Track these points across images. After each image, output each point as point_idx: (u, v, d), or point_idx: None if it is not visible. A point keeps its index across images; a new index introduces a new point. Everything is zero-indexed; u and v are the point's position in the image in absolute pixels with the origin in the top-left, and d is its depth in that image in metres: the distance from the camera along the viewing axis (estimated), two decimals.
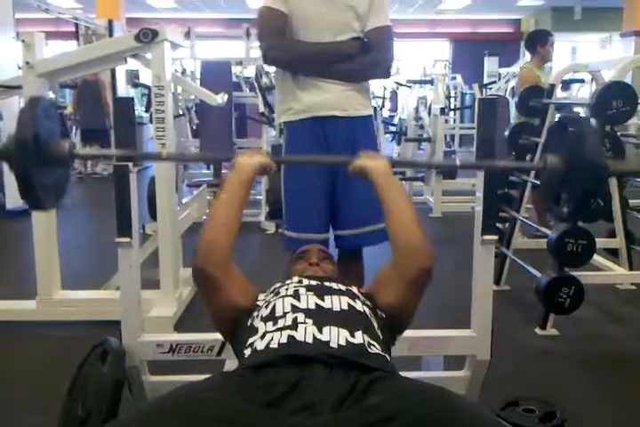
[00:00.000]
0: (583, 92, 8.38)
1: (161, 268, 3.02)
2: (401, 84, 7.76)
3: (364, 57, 2.21)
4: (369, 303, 1.44)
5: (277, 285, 1.52)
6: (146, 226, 4.52)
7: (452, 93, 9.54)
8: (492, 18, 14.97)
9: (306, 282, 1.48)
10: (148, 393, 1.96)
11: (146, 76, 5.08)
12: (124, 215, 1.83)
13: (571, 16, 11.06)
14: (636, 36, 9.47)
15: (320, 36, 2.18)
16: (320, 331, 1.25)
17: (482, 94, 8.30)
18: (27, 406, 2.24)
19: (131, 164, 1.81)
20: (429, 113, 6.57)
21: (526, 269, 3.19)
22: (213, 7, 13.15)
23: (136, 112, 5.60)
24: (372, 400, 1.03)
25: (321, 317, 1.31)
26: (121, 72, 8.62)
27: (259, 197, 5.24)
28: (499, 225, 3.65)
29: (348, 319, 1.32)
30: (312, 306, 1.35)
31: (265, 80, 5.24)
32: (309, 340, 1.23)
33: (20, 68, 3.24)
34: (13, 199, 5.34)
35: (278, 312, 1.35)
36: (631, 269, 3.39)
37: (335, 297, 1.40)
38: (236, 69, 6.12)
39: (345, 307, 1.37)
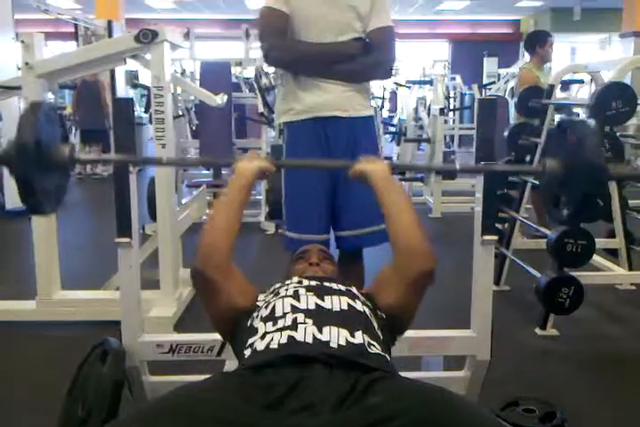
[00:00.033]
0: (582, 93, 8.39)
1: (161, 268, 3.02)
2: (400, 85, 7.76)
3: (365, 57, 2.20)
4: (369, 304, 1.44)
5: (277, 285, 1.52)
6: (145, 226, 4.52)
7: (452, 94, 9.54)
8: (491, 18, 14.98)
9: (306, 282, 1.48)
10: (148, 393, 1.96)
11: (145, 77, 5.09)
12: (124, 216, 1.84)
13: (570, 17, 11.08)
14: (636, 36, 9.47)
15: (321, 37, 2.17)
16: (320, 331, 1.25)
17: (481, 95, 8.30)
18: (27, 406, 2.24)
19: (131, 164, 1.81)
20: (429, 113, 6.57)
21: (526, 270, 3.19)
22: (212, 8, 13.16)
23: (135, 113, 5.61)
24: (372, 400, 1.03)
25: (321, 317, 1.31)
26: (120, 73, 8.62)
27: (259, 198, 5.24)
28: (498, 225, 3.65)
29: (347, 319, 1.32)
30: (312, 306, 1.35)
31: (264, 81, 5.23)
32: (309, 340, 1.23)
33: (19, 68, 3.25)
34: (13, 200, 5.34)
35: (278, 313, 1.35)
36: (631, 269, 3.39)
37: (335, 297, 1.40)
38: (235, 70, 6.13)
39: (345, 307, 1.37)
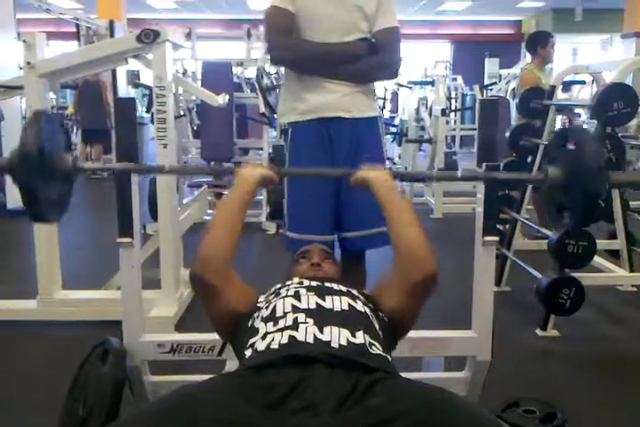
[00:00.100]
0: (584, 94, 8.39)
1: (162, 268, 3.02)
2: (402, 85, 7.75)
3: (371, 58, 2.20)
4: (370, 305, 1.44)
5: (278, 286, 1.52)
6: (147, 226, 4.52)
7: (453, 94, 9.53)
8: (492, 19, 14.98)
9: (306, 283, 1.48)
10: (149, 393, 1.95)
11: (146, 77, 5.09)
12: (126, 215, 1.83)
13: (571, 17, 11.07)
14: (637, 37, 9.47)
15: (327, 37, 2.17)
16: (321, 331, 1.25)
17: (482, 95, 8.29)
18: (27, 406, 2.24)
19: (133, 164, 1.81)
20: (430, 114, 6.57)
21: (527, 271, 3.19)
22: (214, 8, 13.16)
23: (137, 112, 5.61)
24: (372, 401, 1.03)
25: (322, 317, 1.31)
26: (122, 72, 8.62)
27: (260, 198, 5.25)
28: (499, 226, 3.65)
29: (349, 319, 1.32)
30: (313, 306, 1.35)
31: (266, 81, 5.24)
32: (310, 340, 1.23)
33: (21, 68, 3.24)
34: (14, 199, 5.34)
35: (279, 313, 1.35)
36: (632, 270, 3.39)
37: (336, 297, 1.40)
38: (236, 70, 6.13)
39: (345, 307, 1.37)
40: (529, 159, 3.55)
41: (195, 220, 3.79)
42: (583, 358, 2.73)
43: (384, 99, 9.95)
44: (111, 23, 8.24)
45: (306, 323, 1.28)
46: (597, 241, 2.91)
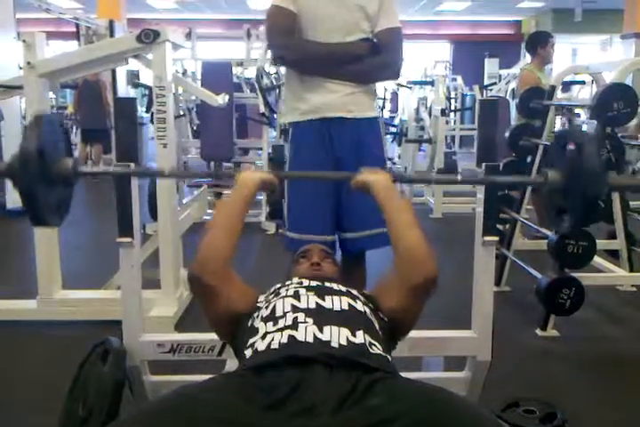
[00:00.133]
0: (584, 94, 8.39)
1: (161, 268, 3.02)
2: (401, 85, 7.75)
3: (373, 58, 2.19)
4: (371, 305, 1.44)
5: (278, 286, 1.52)
6: (146, 226, 4.52)
7: (453, 95, 9.53)
8: (492, 19, 14.97)
9: (306, 283, 1.48)
10: (149, 393, 1.95)
11: (146, 77, 5.09)
12: (125, 215, 1.84)
13: (571, 18, 11.06)
14: (637, 37, 9.48)
15: (329, 37, 2.16)
16: (321, 330, 1.25)
17: (482, 96, 8.29)
18: (27, 406, 2.24)
19: (133, 164, 1.81)
20: (430, 114, 6.57)
21: (527, 271, 3.19)
22: (214, 8, 13.16)
23: (137, 112, 5.61)
24: (372, 401, 1.03)
25: (321, 316, 1.31)
26: (121, 72, 8.62)
27: (259, 198, 5.25)
28: (499, 226, 3.65)
29: (348, 319, 1.32)
30: (312, 305, 1.35)
31: (265, 81, 5.24)
32: (310, 339, 1.23)
33: (21, 68, 3.24)
34: (14, 199, 5.34)
35: (278, 312, 1.35)
36: (631, 270, 3.40)
37: (336, 297, 1.40)
38: (236, 70, 6.13)
39: (345, 307, 1.37)
40: (528, 159, 3.55)
41: (194, 220, 3.79)
42: (583, 358, 2.73)
43: (384, 99, 9.96)
44: (111, 23, 8.24)
45: (305, 322, 1.28)
46: (597, 241, 2.91)
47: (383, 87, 9.69)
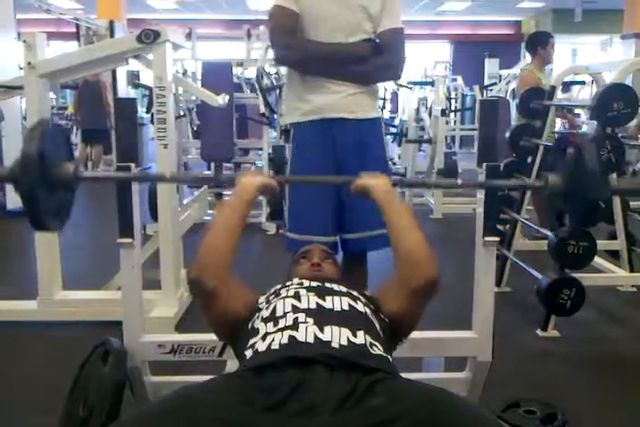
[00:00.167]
0: (584, 94, 8.39)
1: (162, 268, 3.02)
2: (401, 86, 7.75)
3: (375, 59, 2.19)
4: (372, 306, 1.44)
5: (278, 286, 1.52)
6: (147, 227, 4.52)
7: (453, 95, 9.53)
8: (492, 19, 14.97)
9: (306, 283, 1.48)
10: (150, 394, 1.95)
11: (146, 77, 5.09)
12: (126, 216, 1.84)
13: (571, 18, 11.05)
14: (637, 38, 9.47)
15: (331, 37, 2.16)
16: (321, 330, 1.25)
17: (482, 96, 8.29)
18: (27, 407, 2.24)
19: (133, 164, 1.81)
20: (430, 114, 6.57)
21: (527, 271, 3.19)
22: (214, 8, 13.16)
23: (137, 113, 5.61)
24: (372, 402, 1.03)
25: (322, 316, 1.31)
26: (122, 73, 8.62)
27: (260, 198, 5.24)
28: (499, 227, 3.65)
29: (349, 319, 1.32)
30: (313, 306, 1.36)
31: (266, 81, 5.25)
32: (310, 340, 1.23)
33: (21, 68, 3.24)
34: (14, 200, 5.34)
35: (279, 313, 1.35)
36: (632, 271, 3.40)
37: (336, 297, 1.40)
38: (236, 70, 6.13)
39: (346, 307, 1.37)
40: (529, 160, 3.55)
41: (195, 220, 3.79)
42: (583, 359, 2.73)
43: (384, 99, 9.96)
44: (111, 23, 8.25)
45: (306, 323, 1.28)
46: (598, 241, 2.91)
47: (383, 87, 9.69)
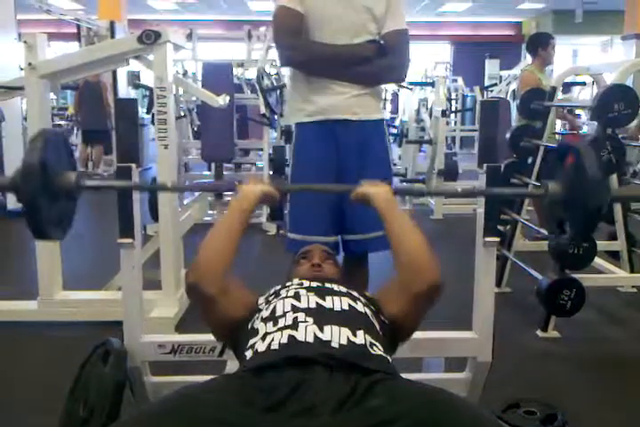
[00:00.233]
0: (584, 95, 8.39)
1: (162, 269, 3.02)
2: (402, 86, 7.76)
3: (379, 60, 2.19)
4: (372, 307, 1.44)
5: (278, 287, 1.52)
6: (147, 227, 4.52)
7: (454, 96, 9.54)
8: (493, 20, 14.97)
9: (306, 284, 1.49)
10: (150, 394, 1.96)
11: (147, 78, 5.10)
12: (127, 216, 1.84)
13: (572, 19, 11.05)
14: (638, 39, 9.46)
15: (335, 38, 2.15)
16: (321, 330, 1.25)
17: (483, 97, 8.30)
18: (27, 407, 2.24)
19: (134, 165, 1.81)
20: (430, 115, 6.57)
21: (527, 272, 3.19)
22: (215, 9, 13.17)
23: (138, 113, 5.62)
24: (372, 402, 1.04)
25: (322, 316, 1.31)
26: (122, 73, 8.63)
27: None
28: (500, 227, 3.65)
29: (349, 319, 1.32)
30: (313, 305, 1.36)
31: (266, 82, 5.25)
32: (310, 339, 1.23)
33: (22, 69, 3.25)
34: (14, 200, 5.34)
35: (279, 312, 1.35)
36: (632, 271, 3.40)
37: (336, 298, 1.40)
38: (237, 71, 6.13)
39: (346, 307, 1.37)
40: (529, 160, 3.55)
41: (195, 220, 3.79)
42: (583, 359, 2.73)
43: (384, 100, 9.98)
44: (112, 24, 8.25)
45: (306, 322, 1.28)
46: (598, 242, 2.91)
47: (384, 88, 9.72)
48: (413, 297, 1.40)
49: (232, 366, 1.98)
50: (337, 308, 1.36)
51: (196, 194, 5.26)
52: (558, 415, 1.90)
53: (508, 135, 3.73)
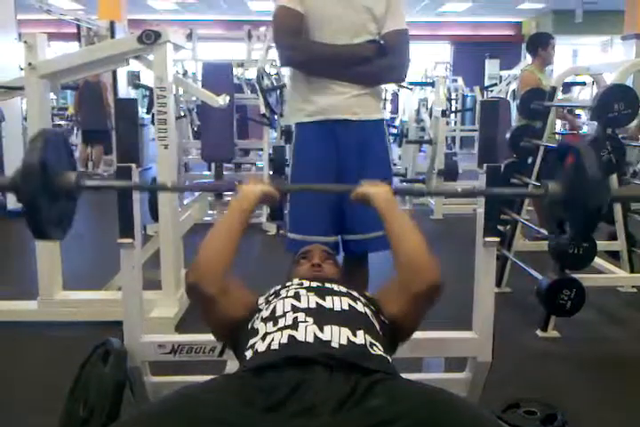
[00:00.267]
0: (584, 95, 8.40)
1: (162, 269, 3.03)
2: (402, 86, 7.76)
3: (379, 60, 2.19)
4: (372, 307, 1.44)
5: (278, 287, 1.52)
6: (147, 227, 4.52)
7: (454, 96, 9.54)
8: (493, 20, 14.98)
9: (306, 284, 1.49)
10: (150, 394, 1.96)
11: (147, 78, 5.10)
12: (126, 216, 1.84)
13: (572, 19, 11.05)
14: (638, 39, 9.46)
15: (335, 38, 2.15)
16: (321, 330, 1.25)
17: (483, 97, 8.30)
18: (27, 407, 2.24)
19: (134, 165, 1.81)
20: (430, 115, 6.58)
21: (527, 272, 3.19)
22: (214, 9, 13.17)
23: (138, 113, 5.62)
24: (372, 402, 1.04)
25: (322, 316, 1.31)
26: (122, 73, 8.63)
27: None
28: (500, 227, 3.65)
29: (349, 319, 1.32)
30: (313, 305, 1.36)
31: (266, 82, 5.25)
32: (310, 339, 1.23)
33: (22, 69, 3.25)
34: (14, 200, 5.34)
35: (278, 312, 1.35)
36: (632, 271, 3.40)
37: (336, 298, 1.40)
38: (237, 71, 6.14)
39: (346, 307, 1.37)
40: (529, 160, 3.55)
41: (195, 220, 3.79)
42: (583, 359, 2.73)
43: (384, 100, 9.98)
44: (112, 24, 8.25)
45: (306, 322, 1.28)
46: (598, 242, 2.91)
47: (384, 88, 9.72)
48: (413, 297, 1.40)
49: (232, 366, 1.98)
50: (337, 308, 1.36)
51: (196, 194, 5.26)
52: (558, 415, 1.90)
53: (508, 135, 3.73)
